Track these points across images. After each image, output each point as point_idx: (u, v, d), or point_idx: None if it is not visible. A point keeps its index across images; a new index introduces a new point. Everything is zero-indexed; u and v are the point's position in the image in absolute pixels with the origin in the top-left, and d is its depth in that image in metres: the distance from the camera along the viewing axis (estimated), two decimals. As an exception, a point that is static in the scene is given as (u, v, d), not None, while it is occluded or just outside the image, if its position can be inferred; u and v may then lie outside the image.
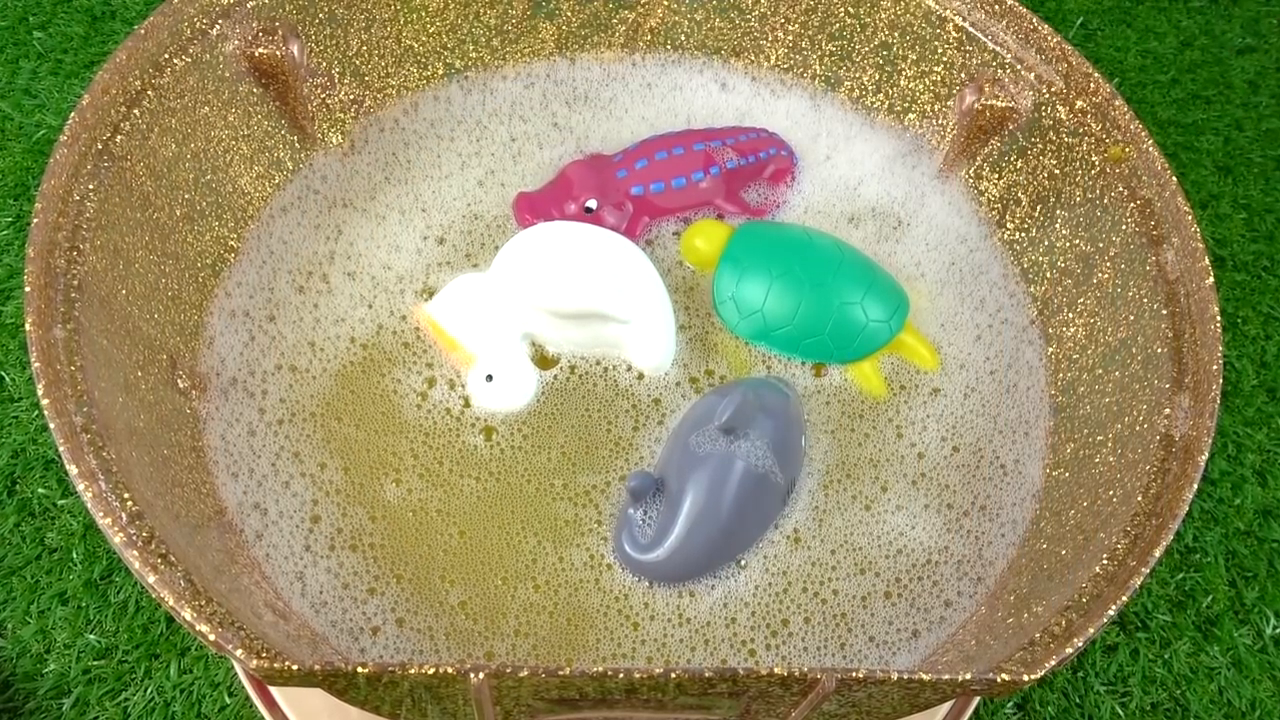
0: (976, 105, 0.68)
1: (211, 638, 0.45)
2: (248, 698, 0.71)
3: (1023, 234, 0.69)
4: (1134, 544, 0.51)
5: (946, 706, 0.66)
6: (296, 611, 0.55)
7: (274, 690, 0.66)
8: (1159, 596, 0.81)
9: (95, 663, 0.74)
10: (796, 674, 0.42)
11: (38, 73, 1.06)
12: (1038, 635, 0.49)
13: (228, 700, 0.72)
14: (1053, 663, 0.46)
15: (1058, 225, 0.67)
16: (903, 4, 0.71)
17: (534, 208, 0.68)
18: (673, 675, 0.42)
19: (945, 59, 0.71)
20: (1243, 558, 0.83)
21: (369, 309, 0.65)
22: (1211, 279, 0.58)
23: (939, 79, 0.72)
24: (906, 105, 0.74)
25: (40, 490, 0.81)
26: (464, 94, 0.74)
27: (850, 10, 0.73)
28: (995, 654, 0.50)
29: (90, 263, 0.55)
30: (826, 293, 0.63)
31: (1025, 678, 0.45)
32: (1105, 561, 0.51)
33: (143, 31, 0.61)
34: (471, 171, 0.71)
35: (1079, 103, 0.65)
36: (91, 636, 0.75)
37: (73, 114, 0.57)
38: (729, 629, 0.57)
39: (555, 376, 0.64)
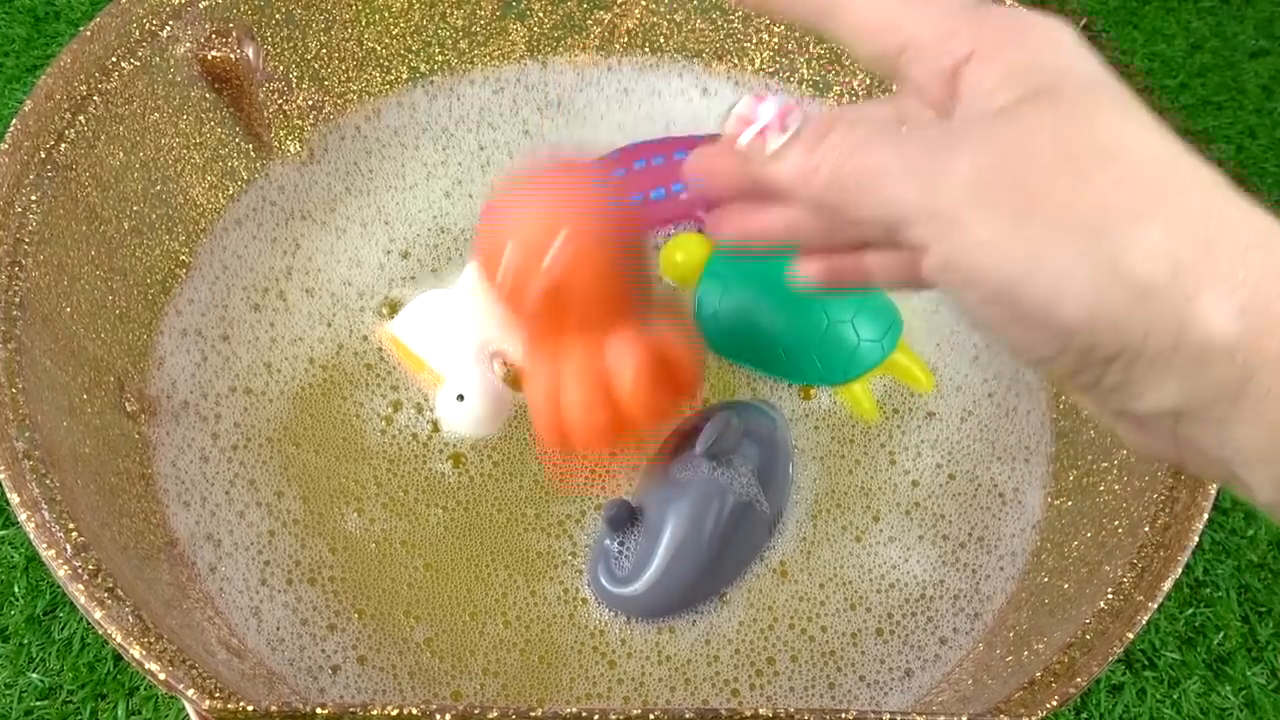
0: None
1: (162, 676, 0.45)
2: (198, 742, 0.71)
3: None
4: (1141, 577, 0.52)
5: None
6: (252, 649, 0.55)
7: (227, 734, 0.66)
8: (1167, 633, 0.81)
9: (38, 703, 0.74)
10: (783, 714, 0.43)
11: (-25, 75, 1.07)
12: (1038, 674, 0.49)
13: (177, 745, 0.72)
14: (1054, 703, 0.47)
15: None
16: (895, 5, 0.71)
17: (505, 220, 0.68)
18: (651, 716, 0.42)
19: (940, 64, 0.71)
20: (1256, 592, 0.83)
21: (329, 328, 0.66)
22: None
23: (934, 85, 0.72)
24: (899, 112, 0.74)
25: (-24, 521, 0.81)
26: (429, 99, 0.75)
27: (840, 12, 0.73)
28: (993, 694, 0.51)
29: (33, 279, 0.55)
30: (814, 310, 0.64)
31: (1025, 719, 0.46)
32: (1110, 596, 0.51)
33: (89, 33, 0.61)
34: (437, 182, 0.72)
35: (1081, 110, 0.66)
36: (34, 675, 0.75)
37: (14, 121, 0.58)
38: (711, 667, 0.58)
39: (527, 399, 0.64)
